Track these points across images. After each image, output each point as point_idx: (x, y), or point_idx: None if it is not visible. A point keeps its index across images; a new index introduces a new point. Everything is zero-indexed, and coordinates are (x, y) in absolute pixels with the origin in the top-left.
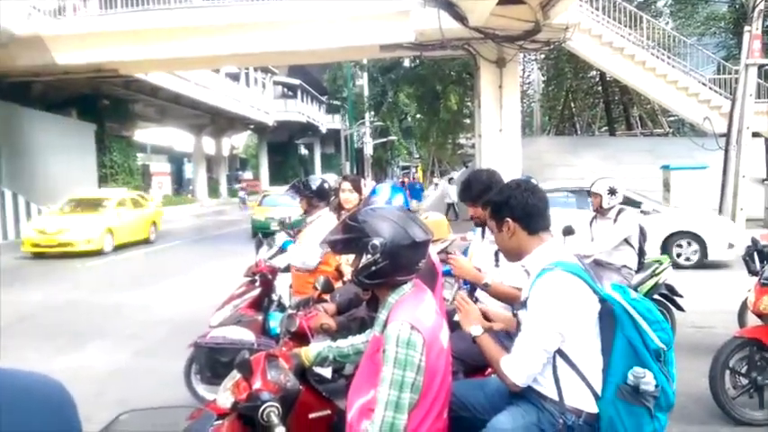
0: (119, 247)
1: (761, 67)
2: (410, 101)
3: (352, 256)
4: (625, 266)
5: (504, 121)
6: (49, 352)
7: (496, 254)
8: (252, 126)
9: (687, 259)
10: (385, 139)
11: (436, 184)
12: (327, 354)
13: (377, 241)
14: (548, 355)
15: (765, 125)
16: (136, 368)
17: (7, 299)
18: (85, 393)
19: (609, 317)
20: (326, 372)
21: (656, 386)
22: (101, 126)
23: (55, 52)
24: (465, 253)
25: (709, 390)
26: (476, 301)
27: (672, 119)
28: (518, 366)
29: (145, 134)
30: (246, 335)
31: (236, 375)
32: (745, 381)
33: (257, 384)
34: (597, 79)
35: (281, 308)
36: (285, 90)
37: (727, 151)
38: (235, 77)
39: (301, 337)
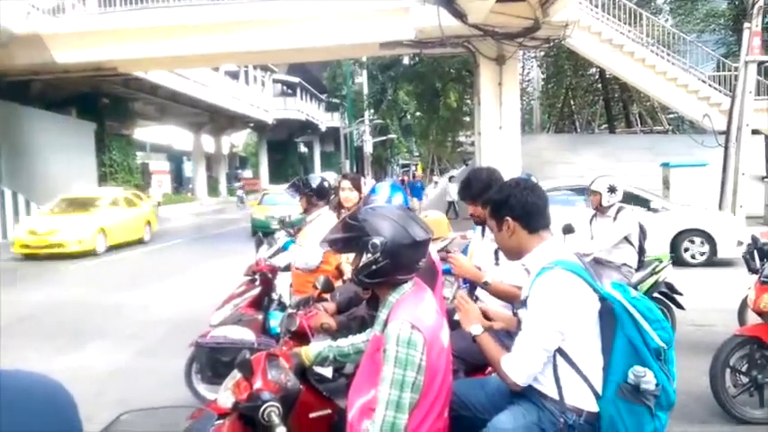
0: (112, 248)
1: (760, 64)
2: (410, 98)
3: (352, 255)
4: (625, 264)
5: (503, 118)
6: (48, 352)
7: (496, 252)
8: (251, 124)
9: (695, 257)
10: (384, 137)
11: (436, 183)
12: (328, 353)
13: (377, 240)
14: (548, 355)
15: (765, 122)
16: (136, 368)
17: None
18: (86, 393)
19: (609, 316)
20: (327, 371)
21: (657, 385)
22: (100, 125)
23: (54, 51)
24: (465, 251)
25: (709, 388)
26: (476, 299)
27: (671, 116)
28: (518, 365)
29: (144, 133)
30: (247, 334)
31: (236, 375)
32: (745, 379)
33: (258, 384)
34: (597, 77)
35: (282, 307)
36: (284, 88)
37: (726, 148)
38: (234, 75)
39: (301, 337)
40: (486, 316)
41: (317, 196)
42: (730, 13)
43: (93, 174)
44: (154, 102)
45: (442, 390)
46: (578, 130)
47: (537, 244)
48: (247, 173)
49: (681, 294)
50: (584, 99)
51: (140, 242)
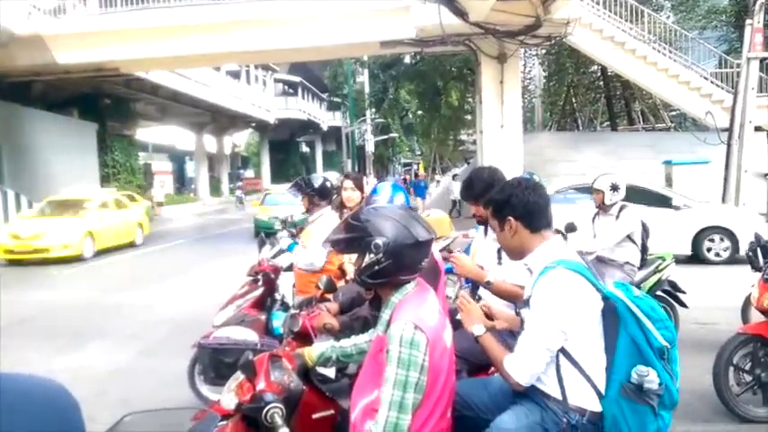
0: (100, 252)
1: (763, 60)
2: (411, 97)
3: (354, 255)
4: (628, 263)
5: (505, 116)
6: (49, 352)
7: (499, 252)
8: (253, 124)
9: (718, 254)
10: (386, 136)
11: (438, 181)
12: (331, 354)
13: (380, 240)
14: (551, 354)
15: (767, 119)
16: (138, 368)
17: None
18: (88, 394)
19: (612, 315)
20: (330, 372)
21: (660, 384)
22: (102, 125)
23: (55, 51)
24: (467, 250)
25: (712, 387)
26: (478, 299)
27: (674, 113)
28: (521, 365)
29: (146, 133)
30: (250, 335)
31: (239, 376)
32: (748, 377)
33: (261, 385)
34: (599, 74)
35: (285, 307)
36: (286, 87)
37: (729, 146)
38: (235, 75)
39: (304, 337)
40: (489, 316)
41: (320, 196)
42: (732, 9)
43: (95, 174)
44: (155, 102)
45: (445, 390)
46: (580, 127)
47: (539, 243)
48: (249, 173)
49: (684, 293)
50: (585, 97)
51: (131, 246)
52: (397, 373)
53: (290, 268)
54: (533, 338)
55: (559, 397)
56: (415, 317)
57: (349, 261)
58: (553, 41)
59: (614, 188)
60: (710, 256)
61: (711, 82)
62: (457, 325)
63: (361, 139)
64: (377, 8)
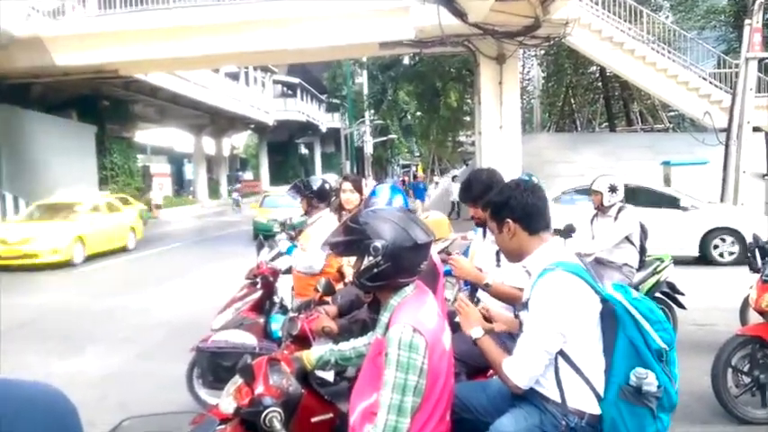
0: (91, 257)
1: (761, 60)
2: (410, 98)
3: (353, 258)
4: (626, 264)
5: (504, 117)
6: (48, 357)
7: (497, 254)
8: (252, 126)
9: (724, 255)
10: (385, 138)
11: (436, 183)
12: (329, 357)
13: (378, 243)
14: (549, 357)
15: (766, 120)
16: (136, 372)
17: None
18: (87, 398)
19: (610, 317)
20: (328, 375)
21: (659, 387)
22: (101, 127)
23: (54, 53)
24: (466, 252)
25: (711, 388)
26: (477, 301)
27: (672, 114)
28: (520, 368)
29: (145, 135)
30: (248, 338)
31: (238, 380)
32: (747, 379)
33: (259, 389)
34: (597, 75)
35: (284, 310)
36: (285, 89)
37: (727, 146)
38: (234, 77)
39: (303, 341)
40: (487, 318)
41: (318, 198)
42: (731, 9)
43: (93, 177)
44: (154, 104)
45: (444, 393)
46: (579, 128)
47: (538, 245)
48: (248, 175)
49: (682, 294)
50: (584, 97)
51: (124, 250)
52: (396, 376)
53: (288, 271)
54: (532, 341)
55: (558, 400)
56: (413, 320)
57: (348, 264)
58: (552, 42)
59: (613, 189)
60: (718, 257)
61: (710, 82)
62: (456, 327)
63: (360, 140)
64: (376, 9)
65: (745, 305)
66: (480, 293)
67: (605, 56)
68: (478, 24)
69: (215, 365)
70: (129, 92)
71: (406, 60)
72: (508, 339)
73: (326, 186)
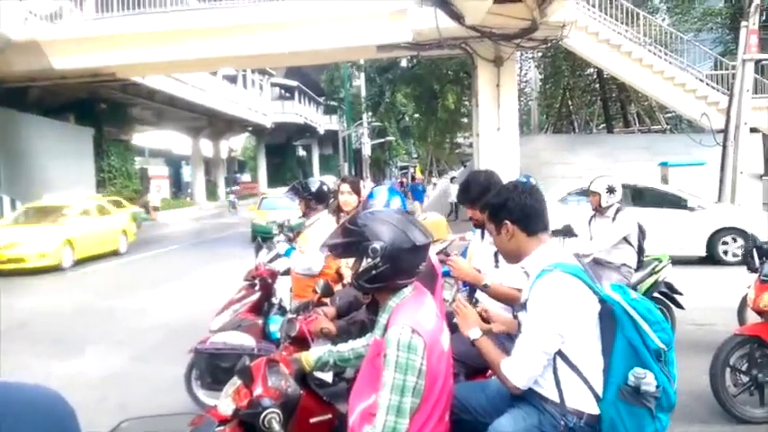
0: (81, 262)
1: (758, 62)
2: (408, 101)
3: (352, 259)
4: (624, 265)
5: (501, 119)
6: (46, 358)
7: (496, 255)
8: (250, 128)
9: (732, 255)
10: (383, 140)
11: (434, 184)
12: (328, 358)
13: (377, 245)
14: (548, 357)
15: (763, 121)
16: (135, 374)
17: None
18: (86, 399)
19: (609, 318)
20: (327, 376)
21: (657, 387)
22: (98, 130)
23: (52, 57)
24: (464, 253)
25: (709, 387)
26: (476, 302)
27: (669, 115)
28: (518, 369)
29: (143, 138)
30: (247, 340)
31: (236, 382)
32: (745, 378)
33: (258, 391)
34: (594, 77)
35: (282, 311)
36: (282, 92)
37: (724, 147)
38: (232, 79)
39: (301, 342)
40: (485, 319)
41: (316, 200)
42: (727, 11)
43: (91, 180)
44: (152, 107)
45: (443, 394)
46: (576, 130)
47: (536, 247)
48: (246, 177)
49: (681, 294)
50: (581, 99)
51: (115, 254)
52: (395, 377)
53: (287, 272)
54: (530, 341)
55: (557, 400)
56: (412, 321)
57: (346, 265)
58: (549, 44)
59: (611, 190)
60: (725, 257)
61: (707, 84)
62: (454, 328)
63: (358, 142)
64: (373, 12)
65: (743, 305)
66: (479, 294)
67: (602, 58)
68: (476, 27)
69: (213, 367)
70: (127, 95)
71: (403, 63)
72: (506, 340)
73: (325, 188)
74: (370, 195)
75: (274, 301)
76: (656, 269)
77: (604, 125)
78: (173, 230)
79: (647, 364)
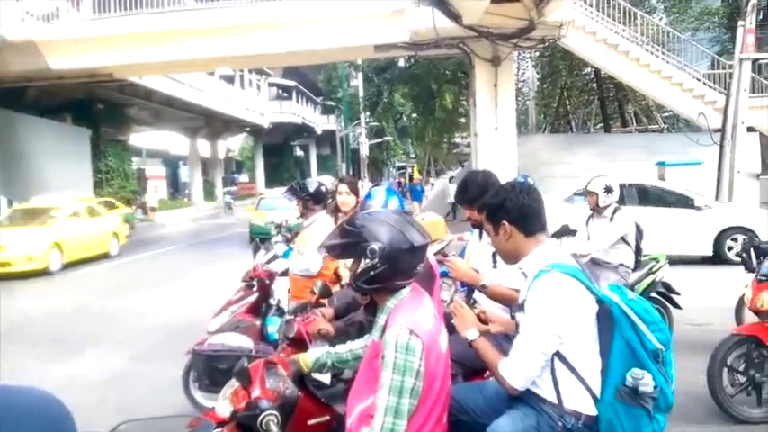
0: (69, 265)
1: (755, 61)
2: (405, 101)
3: (350, 260)
4: (622, 265)
5: (499, 119)
6: (45, 360)
7: (494, 255)
8: (247, 128)
9: (737, 255)
10: (381, 140)
11: (432, 184)
12: (326, 360)
13: (375, 246)
14: (546, 358)
15: (760, 120)
16: (134, 375)
17: None
18: (84, 400)
19: (607, 318)
20: (325, 377)
21: (655, 387)
22: (96, 131)
23: (48, 57)
24: (462, 254)
25: (707, 388)
26: (473, 302)
27: (666, 115)
28: (516, 370)
29: (140, 138)
30: (244, 341)
31: (234, 383)
32: (742, 378)
33: (256, 393)
34: (592, 76)
35: (280, 312)
36: (280, 92)
37: (721, 147)
38: (229, 80)
39: (299, 343)
40: (483, 319)
41: (314, 201)
42: (724, 10)
43: (88, 180)
44: (149, 107)
45: (441, 395)
46: (574, 129)
47: (534, 247)
48: (243, 177)
49: (678, 294)
50: (579, 99)
51: (106, 257)
52: (393, 378)
53: (285, 273)
54: (528, 342)
55: (555, 401)
56: (410, 322)
57: (344, 266)
58: (547, 44)
59: (608, 190)
60: (732, 256)
61: (704, 83)
62: (452, 329)
63: (356, 142)
64: (371, 12)
65: (741, 305)
66: (477, 295)
67: (600, 57)
68: (473, 27)
69: (211, 369)
70: (124, 95)
71: (401, 63)
72: (504, 341)
73: (323, 189)
74: (368, 196)
75: (272, 302)
76: (654, 269)
77: (602, 125)
78: (170, 231)
79: (645, 364)
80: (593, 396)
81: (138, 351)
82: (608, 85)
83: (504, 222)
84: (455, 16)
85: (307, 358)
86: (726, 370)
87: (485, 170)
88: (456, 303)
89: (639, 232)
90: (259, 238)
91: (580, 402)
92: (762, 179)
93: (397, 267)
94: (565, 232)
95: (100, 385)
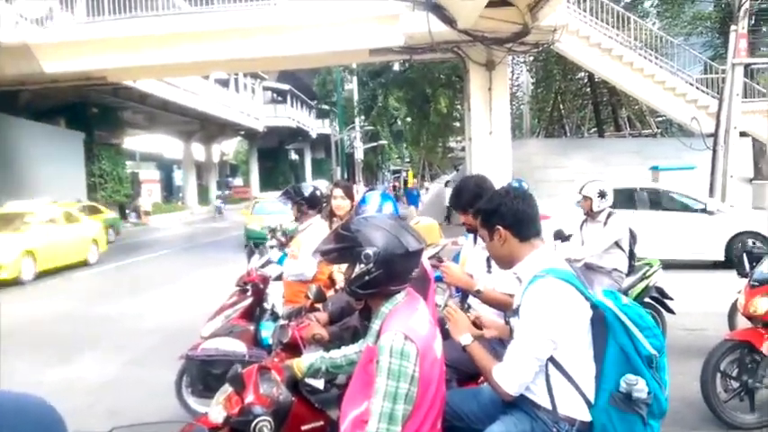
0: (43, 274)
1: (747, 66)
2: (400, 104)
3: (345, 265)
4: (615, 270)
5: (493, 123)
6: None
7: (488, 260)
8: (242, 132)
9: None
10: (375, 144)
11: (427, 188)
12: (320, 365)
13: (370, 251)
14: (540, 364)
15: (752, 124)
16: (127, 380)
17: None
18: (78, 405)
19: (601, 324)
20: (319, 383)
21: (649, 393)
22: (89, 134)
23: (42, 60)
24: (456, 258)
25: (700, 393)
26: (468, 308)
27: (660, 119)
28: (510, 375)
29: (134, 141)
30: (238, 346)
31: (228, 389)
32: (736, 384)
33: (249, 398)
34: (586, 81)
35: (274, 317)
36: (275, 95)
37: (714, 151)
38: (224, 83)
39: (293, 348)
40: (477, 324)
41: (309, 205)
42: (717, 15)
43: (82, 184)
44: (143, 111)
45: (436, 400)
46: (568, 134)
47: (528, 252)
48: (238, 181)
49: (671, 299)
50: (573, 103)
51: (84, 265)
52: (387, 384)
53: (279, 277)
54: (522, 348)
55: (549, 406)
56: (405, 327)
57: (339, 270)
58: (541, 48)
59: (602, 195)
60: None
61: (697, 88)
62: (447, 334)
63: (351, 146)
64: (366, 16)
65: (734, 310)
66: (471, 300)
67: (593, 62)
68: (468, 31)
69: (204, 374)
70: (118, 99)
71: (396, 67)
72: (499, 346)
73: (317, 193)
74: (363, 201)
75: (266, 306)
76: (647, 274)
77: (595, 129)
78: (164, 235)
79: (639, 370)
80: (588, 402)
81: (132, 356)
82: (602, 89)
83: (499, 227)
84: (450, 20)
85: (301, 363)
86: (719, 375)
87: (478, 175)
88: (450, 308)
89: (633, 237)
90: (254, 243)
91: (574, 408)
92: (754, 184)
93: (392, 272)
94: (558, 237)
95: (94, 389)
